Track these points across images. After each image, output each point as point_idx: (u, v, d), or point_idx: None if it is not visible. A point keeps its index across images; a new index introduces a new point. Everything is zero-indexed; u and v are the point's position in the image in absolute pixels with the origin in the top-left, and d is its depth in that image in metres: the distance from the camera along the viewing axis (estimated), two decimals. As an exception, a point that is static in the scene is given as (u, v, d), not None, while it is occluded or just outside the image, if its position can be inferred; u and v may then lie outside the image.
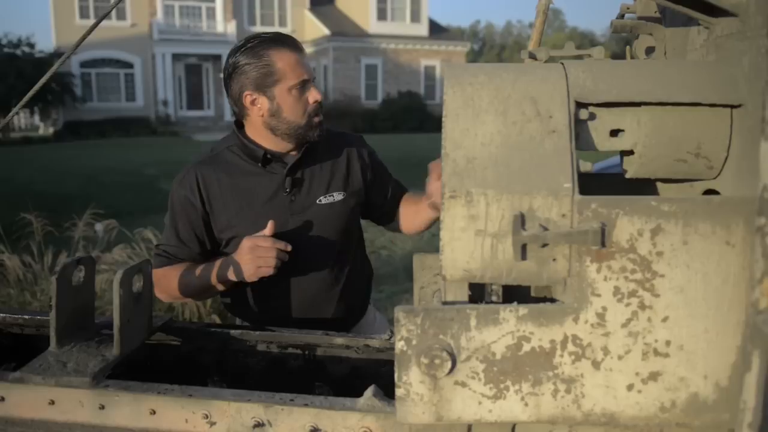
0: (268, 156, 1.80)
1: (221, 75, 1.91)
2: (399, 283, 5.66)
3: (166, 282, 1.80)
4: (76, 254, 4.63)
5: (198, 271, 1.77)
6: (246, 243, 1.67)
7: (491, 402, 0.84)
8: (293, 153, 1.84)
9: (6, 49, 26.01)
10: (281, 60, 1.72)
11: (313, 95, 1.76)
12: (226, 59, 1.81)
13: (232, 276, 1.70)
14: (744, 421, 0.73)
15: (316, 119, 1.78)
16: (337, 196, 1.86)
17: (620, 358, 0.82)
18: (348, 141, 1.96)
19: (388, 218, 2.06)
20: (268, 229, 1.67)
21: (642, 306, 0.81)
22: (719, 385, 0.82)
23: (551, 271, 0.83)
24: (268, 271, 1.66)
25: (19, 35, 27.59)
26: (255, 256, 1.65)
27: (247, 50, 1.75)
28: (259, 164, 1.81)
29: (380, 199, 2.00)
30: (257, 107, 1.77)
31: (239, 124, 1.87)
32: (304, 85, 1.75)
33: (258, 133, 1.82)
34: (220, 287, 1.77)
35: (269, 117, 1.77)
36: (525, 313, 0.82)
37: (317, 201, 1.83)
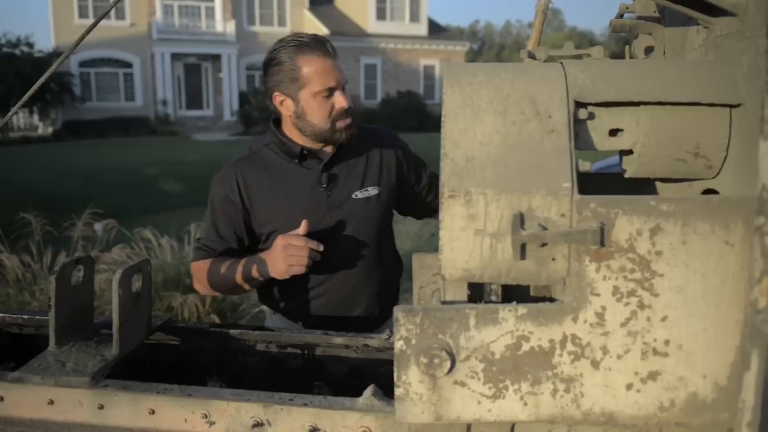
0: (305, 152, 1.84)
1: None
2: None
3: (204, 275, 1.86)
4: (75, 254, 4.63)
5: (234, 266, 1.81)
6: (279, 241, 1.71)
7: (490, 401, 0.84)
8: (327, 149, 1.87)
9: (5, 49, 25.97)
10: (308, 65, 1.74)
11: (339, 102, 1.77)
12: (267, 53, 1.85)
13: (265, 273, 1.75)
14: (743, 421, 0.73)
15: (340, 124, 1.79)
16: (372, 191, 1.89)
17: (619, 357, 0.82)
18: (381, 136, 1.99)
19: (426, 211, 2.10)
20: (302, 228, 1.71)
21: (641, 305, 0.81)
22: (718, 385, 0.82)
23: (550, 271, 0.83)
24: (300, 269, 1.70)
25: (18, 35, 27.53)
26: (287, 254, 1.69)
27: (282, 51, 1.78)
28: (296, 160, 1.85)
29: (417, 191, 2.03)
30: (285, 107, 1.82)
31: (276, 122, 1.92)
32: (330, 92, 1.77)
33: (291, 130, 1.87)
34: (255, 283, 1.83)
35: (295, 118, 1.81)
36: (524, 312, 0.82)
37: (353, 196, 1.86)
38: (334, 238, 1.82)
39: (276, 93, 1.81)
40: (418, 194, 2.03)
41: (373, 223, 1.90)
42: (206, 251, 1.88)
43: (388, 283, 2.00)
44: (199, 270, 1.88)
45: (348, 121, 1.79)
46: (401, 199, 2.01)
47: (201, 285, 1.91)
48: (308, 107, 1.78)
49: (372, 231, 1.90)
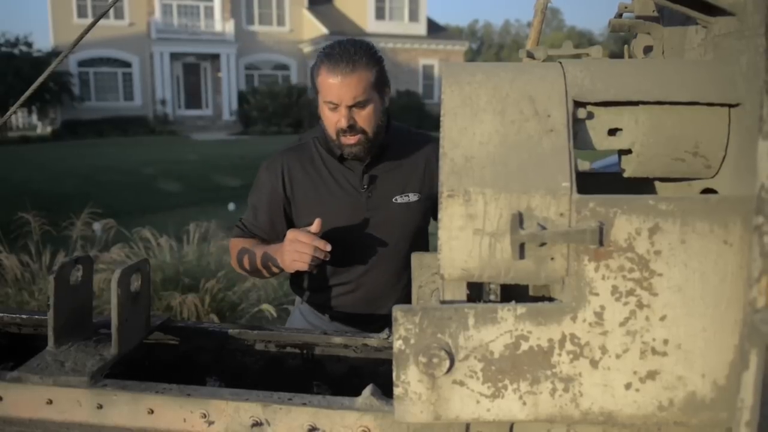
0: (340, 152, 1.85)
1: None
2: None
3: (235, 252, 1.94)
4: (73, 254, 4.62)
5: (258, 250, 1.87)
6: (289, 235, 1.74)
7: (489, 401, 0.84)
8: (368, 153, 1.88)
9: (3, 49, 25.94)
10: (322, 75, 1.76)
11: (336, 118, 1.77)
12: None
13: (276, 264, 1.81)
14: (741, 420, 0.73)
15: (343, 140, 1.79)
16: (413, 197, 1.90)
17: (618, 357, 0.82)
18: (428, 142, 1.98)
19: None
20: (314, 225, 1.73)
21: (640, 305, 0.81)
22: (717, 384, 0.82)
23: (549, 270, 0.83)
24: (302, 266, 1.72)
25: (16, 34, 27.55)
26: (292, 249, 1.72)
27: (318, 55, 1.80)
28: (338, 160, 1.88)
29: None
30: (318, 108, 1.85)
31: None
32: (334, 106, 1.77)
33: None
34: (270, 271, 1.88)
35: (319, 119, 1.85)
36: (523, 312, 0.82)
37: (393, 200, 1.88)
38: (370, 239, 1.86)
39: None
40: None
41: (409, 228, 1.92)
42: (242, 230, 1.97)
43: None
44: (233, 247, 1.96)
45: (351, 140, 1.78)
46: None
47: (234, 261, 1.98)
48: (323, 113, 1.81)
49: (407, 236, 1.92)
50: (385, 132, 1.88)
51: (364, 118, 1.78)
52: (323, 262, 1.77)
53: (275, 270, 1.86)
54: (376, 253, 1.88)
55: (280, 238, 1.90)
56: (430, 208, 1.95)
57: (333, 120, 1.78)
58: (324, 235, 1.76)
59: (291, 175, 1.90)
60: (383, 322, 1.73)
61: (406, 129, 2.03)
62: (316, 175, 1.89)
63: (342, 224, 1.83)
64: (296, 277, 2.00)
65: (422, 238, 1.99)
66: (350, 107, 1.75)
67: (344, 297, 1.94)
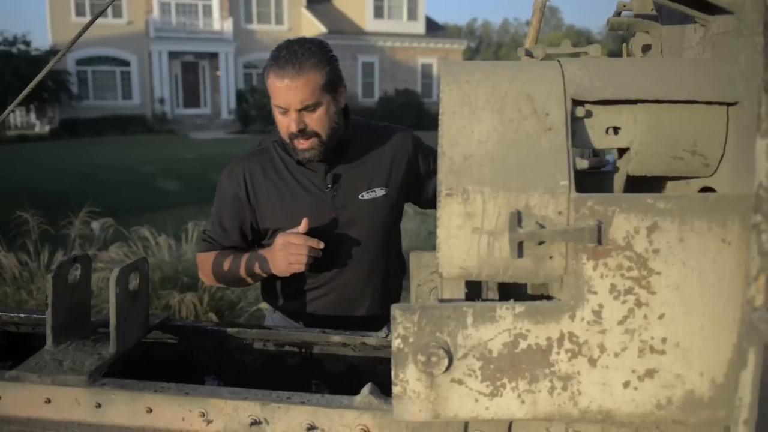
0: (300, 159, 1.83)
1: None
2: (396, 281, 5.66)
3: (208, 266, 1.91)
4: (72, 252, 4.62)
5: (237, 261, 1.84)
6: (279, 239, 1.73)
7: (488, 399, 0.84)
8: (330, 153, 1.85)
9: (1, 47, 25.88)
10: (270, 78, 1.72)
11: (286, 123, 1.74)
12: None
13: (266, 270, 1.79)
14: (740, 418, 0.74)
15: (296, 144, 1.76)
16: (379, 192, 1.87)
17: (616, 355, 0.82)
18: (392, 134, 1.95)
19: None
20: (302, 226, 1.72)
21: (638, 303, 0.81)
22: (715, 382, 0.82)
23: (548, 269, 0.83)
24: (300, 267, 1.72)
25: (14, 33, 27.51)
26: (287, 252, 1.71)
27: (268, 58, 1.76)
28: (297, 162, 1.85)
29: (431, 186, 1.99)
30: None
31: None
32: (283, 110, 1.74)
33: None
34: (256, 279, 1.86)
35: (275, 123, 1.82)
36: (521, 310, 0.82)
37: (359, 197, 1.85)
38: (339, 239, 1.82)
39: None
40: (433, 189, 1.99)
41: (379, 224, 1.89)
42: (211, 243, 1.92)
43: (391, 284, 1.99)
44: (204, 261, 1.92)
45: (304, 144, 1.75)
46: (417, 195, 2.00)
47: (205, 276, 1.95)
48: (275, 118, 1.78)
49: (378, 232, 1.89)
50: (345, 129, 1.85)
51: (315, 121, 1.73)
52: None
53: (263, 276, 1.84)
54: (346, 252, 1.85)
55: (249, 246, 1.90)
56: (399, 201, 1.93)
57: (284, 124, 1.74)
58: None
59: (253, 180, 1.86)
60: (361, 324, 1.71)
61: (367, 123, 1.99)
62: (278, 179, 1.85)
63: (309, 226, 1.78)
64: (267, 285, 1.96)
65: (393, 233, 1.97)
66: (300, 111, 1.71)
67: (318, 301, 1.90)
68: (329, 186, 1.83)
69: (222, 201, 1.90)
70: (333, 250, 1.79)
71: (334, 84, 1.77)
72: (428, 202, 2.04)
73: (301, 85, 1.69)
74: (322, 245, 1.71)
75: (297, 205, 1.82)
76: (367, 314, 1.91)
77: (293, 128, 1.72)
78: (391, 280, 1.98)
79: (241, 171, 1.87)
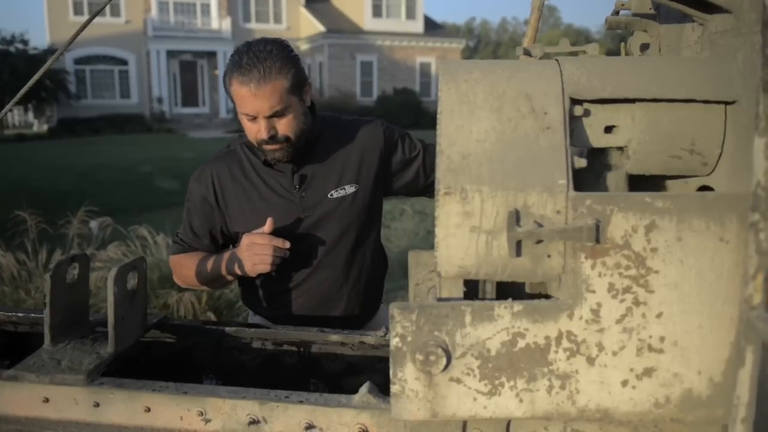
0: (269, 160, 1.80)
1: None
2: (394, 280, 5.67)
3: (180, 269, 1.91)
4: (70, 252, 4.61)
5: (206, 262, 1.83)
6: (244, 240, 1.72)
7: (486, 398, 0.84)
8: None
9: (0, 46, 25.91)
10: (234, 86, 1.68)
11: (256, 129, 1.70)
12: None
13: (233, 271, 1.77)
14: (737, 417, 0.74)
15: (267, 148, 1.73)
16: (349, 189, 1.84)
17: (614, 354, 0.82)
18: (360, 128, 1.91)
19: (431, 191, 1.96)
20: (267, 226, 1.69)
21: (636, 302, 0.81)
22: (713, 381, 0.83)
23: (546, 268, 0.83)
24: (265, 268, 1.70)
25: (12, 32, 27.47)
26: (252, 253, 1.69)
27: (229, 62, 1.71)
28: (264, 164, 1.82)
29: (416, 174, 1.94)
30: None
31: None
32: (251, 118, 1.70)
33: None
34: (228, 278, 1.85)
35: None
36: (520, 309, 0.82)
37: (328, 195, 1.82)
38: (310, 240, 1.80)
39: None
40: (420, 177, 1.95)
41: (350, 222, 1.85)
42: (182, 246, 1.91)
43: (370, 283, 1.95)
44: (176, 264, 1.92)
45: (274, 148, 1.72)
46: (395, 186, 1.95)
47: (178, 278, 1.95)
48: (242, 123, 1.74)
49: (350, 230, 1.86)
50: (312, 127, 1.81)
51: (285, 125, 1.70)
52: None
53: (230, 278, 1.83)
54: (317, 252, 1.82)
55: (220, 248, 1.88)
56: (372, 196, 1.88)
57: (253, 131, 1.71)
58: None
59: (221, 183, 1.84)
60: (338, 324, 1.69)
61: (335, 119, 1.94)
62: (246, 182, 1.83)
63: (279, 228, 1.75)
64: (246, 289, 1.96)
65: (368, 231, 1.92)
66: (269, 117, 1.68)
67: (294, 302, 1.87)
68: (297, 187, 1.80)
69: (192, 205, 1.88)
70: (304, 251, 1.77)
71: (299, 85, 1.72)
72: (409, 190, 1.98)
73: (269, 93, 1.65)
74: (288, 245, 1.69)
75: (265, 207, 1.80)
76: (344, 314, 1.89)
77: (263, 135, 1.69)
78: (368, 279, 1.94)
79: (209, 175, 1.85)
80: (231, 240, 1.89)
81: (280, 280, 1.83)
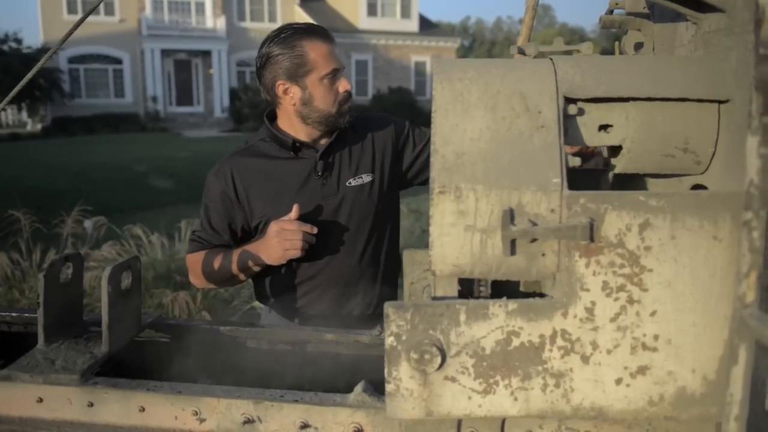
0: (297, 144, 1.85)
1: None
2: (390, 279, 5.67)
3: (199, 267, 1.87)
4: (64, 251, 4.60)
5: (229, 257, 1.83)
6: (273, 227, 1.73)
7: (481, 397, 0.84)
8: (324, 140, 1.87)
9: (-7, 45, 25.78)
10: (314, 50, 1.77)
11: (343, 85, 1.80)
12: (259, 49, 1.85)
13: (260, 261, 1.78)
14: (731, 414, 0.74)
15: (346, 106, 1.82)
16: (366, 178, 1.88)
17: (609, 352, 0.82)
18: (373, 122, 1.98)
19: None
20: (294, 212, 1.72)
21: (630, 300, 0.81)
22: (707, 379, 0.83)
23: (540, 266, 0.84)
24: (296, 253, 1.72)
25: (6, 31, 27.24)
26: (282, 239, 1.71)
27: (280, 40, 1.79)
28: (291, 152, 1.86)
29: (420, 167, 2.00)
30: (289, 96, 1.81)
31: (270, 117, 1.93)
32: (335, 75, 1.79)
33: (289, 121, 1.87)
34: (249, 273, 1.85)
35: (301, 106, 1.81)
36: (514, 308, 0.82)
37: (347, 183, 1.86)
38: (329, 226, 1.83)
39: (279, 82, 1.80)
40: (423, 169, 2.00)
41: (369, 209, 1.88)
42: (200, 243, 1.90)
43: (388, 272, 1.97)
44: (194, 262, 1.89)
45: (349, 104, 1.82)
46: (409, 179, 2.00)
47: (196, 277, 1.92)
48: (316, 92, 1.79)
49: (369, 217, 1.89)
50: None
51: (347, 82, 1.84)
52: (287, 264, 1.78)
53: (256, 270, 1.82)
54: (336, 239, 1.85)
55: (239, 243, 1.88)
56: (388, 188, 1.93)
57: (333, 90, 1.80)
58: None
59: (241, 177, 1.86)
60: (353, 320, 1.71)
61: (360, 114, 2.01)
62: (267, 174, 1.86)
63: (300, 214, 1.78)
64: (259, 285, 1.97)
65: (385, 223, 1.95)
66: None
67: (309, 295, 1.89)
68: (319, 174, 1.84)
69: (210, 201, 1.89)
70: (323, 238, 1.79)
71: None
72: (423, 181, 2.02)
73: (336, 47, 1.82)
74: (315, 230, 1.72)
75: (287, 196, 1.82)
76: (360, 309, 1.91)
77: (348, 87, 1.82)
78: (386, 269, 1.96)
79: (228, 169, 1.87)
80: (250, 235, 1.90)
81: (296, 270, 1.86)
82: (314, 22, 2.04)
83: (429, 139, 1.95)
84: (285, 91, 1.81)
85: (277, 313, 1.96)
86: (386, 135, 1.96)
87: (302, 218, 1.76)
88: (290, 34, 1.79)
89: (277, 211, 1.79)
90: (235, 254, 1.82)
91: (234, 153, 1.93)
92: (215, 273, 1.85)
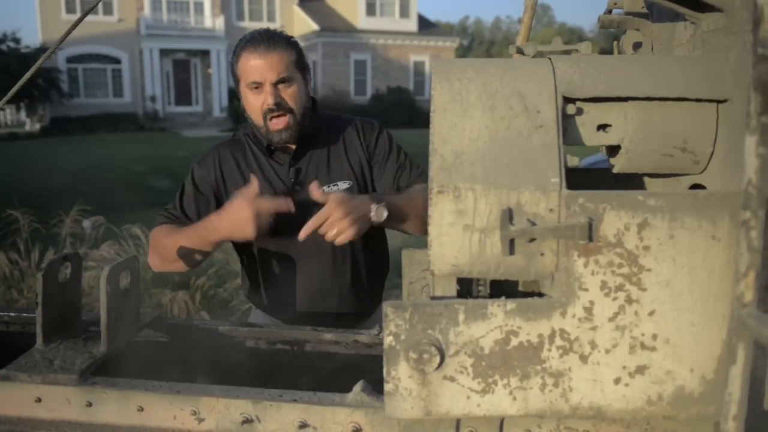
0: (272, 147, 1.84)
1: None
2: (389, 278, 5.68)
3: (162, 239, 1.80)
4: (63, 251, 4.59)
5: (194, 226, 1.77)
6: (233, 200, 1.66)
7: (480, 396, 0.84)
8: (291, 146, 1.86)
9: (-9, 45, 25.75)
10: (242, 59, 1.76)
11: (263, 98, 1.75)
12: None
13: (214, 234, 1.69)
14: (729, 414, 0.74)
15: (271, 125, 1.76)
16: (342, 185, 1.86)
17: (607, 351, 0.83)
18: (358, 128, 1.94)
19: None
20: (253, 184, 1.63)
21: (629, 300, 0.81)
22: (705, 378, 0.83)
23: (539, 266, 0.84)
24: (249, 220, 1.62)
25: (4, 30, 27.25)
26: (235, 205, 1.64)
27: (236, 47, 1.82)
28: (267, 153, 1.87)
29: (381, 186, 1.92)
30: (242, 101, 1.84)
31: None
32: (257, 88, 1.75)
33: None
34: (211, 240, 1.73)
35: (244, 112, 1.84)
36: (513, 307, 0.82)
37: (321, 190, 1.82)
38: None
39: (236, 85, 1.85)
40: (383, 185, 1.92)
41: None
42: (168, 218, 1.86)
43: (367, 280, 1.95)
44: (158, 236, 1.82)
45: (280, 123, 1.75)
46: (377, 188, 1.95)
47: (156, 252, 1.83)
48: (246, 101, 1.80)
49: None
50: (312, 120, 1.85)
51: (290, 96, 1.76)
52: (263, 262, 1.79)
53: (214, 241, 1.71)
54: (308, 246, 1.80)
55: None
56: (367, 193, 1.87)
57: (258, 102, 1.76)
58: (259, 241, 1.77)
59: (223, 167, 1.87)
60: (331, 320, 1.69)
61: (334, 117, 1.98)
62: (246, 170, 1.86)
63: (272, 220, 1.75)
64: (248, 283, 1.97)
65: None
66: (275, 84, 1.74)
67: (290, 295, 1.89)
68: (292, 179, 1.83)
69: (188, 184, 1.89)
70: (296, 245, 1.75)
71: (303, 65, 1.82)
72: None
73: (276, 59, 1.73)
74: (278, 207, 1.64)
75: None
76: (340, 310, 1.90)
77: (270, 102, 1.73)
78: (365, 277, 1.94)
79: (213, 157, 1.89)
80: None
81: (276, 272, 1.86)
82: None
83: (402, 166, 1.90)
84: (238, 96, 1.85)
85: (261, 312, 1.98)
86: (359, 141, 1.92)
87: (275, 226, 1.74)
88: (240, 41, 1.81)
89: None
90: (198, 225, 1.75)
91: (221, 144, 1.95)
92: (169, 250, 1.77)
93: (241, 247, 1.96)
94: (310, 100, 1.85)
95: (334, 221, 1.57)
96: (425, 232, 1.77)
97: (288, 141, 1.80)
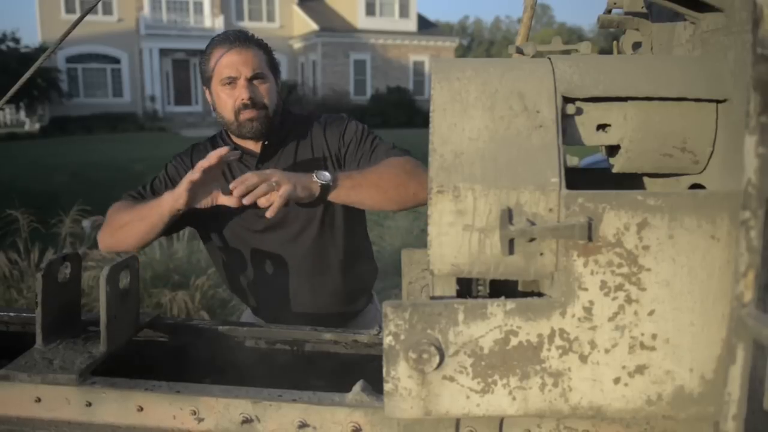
0: (236, 148, 1.83)
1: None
2: (388, 278, 5.67)
3: (116, 215, 1.80)
4: (62, 251, 4.59)
5: (143, 202, 1.78)
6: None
7: (479, 396, 0.84)
8: (256, 147, 1.86)
9: (-9, 44, 25.73)
10: (215, 56, 1.78)
11: (237, 94, 1.76)
12: None
13: (162, 206, 1.68)
14: (729, 414, 0.74)
15: (243, 116, 1.77)
16: None
17: (607, 351, 0.83)
18: (327, 126, 1.91)
19: None
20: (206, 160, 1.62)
21: (628, 300, 0.82)
22: (704, 378, 0.83)
23: (538, 266, 0.84)
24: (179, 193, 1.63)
25: (3, 30, 27.23)
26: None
27: (208, 45, 1.85)
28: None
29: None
30: (209, 101, 1.87)
31: None
32: (231, 83, 1.76)
33: None
34: (157, 211, 1.71)
35: (213, 111, 1.85)
36: (512, 307, 0.82)
37: None
38: (269, 238, 1.82)
39: (204, 87, 1.87)
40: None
41: (314, 215, 1.84)
42: (132, 197, 1.87)
43: (348, 279, 1.94)
44: (116, 209, 1.83)
45: (250, 114, 1.76)
46: None
47: (111, 226, 1.81)
48: (218, 98, 1.80)
49: (311, 226, 1.85)
50: (282, 121, 1.86)
51: (265, 92, 1.78)
52: (237, 262, 1.80)
53: (157, 214, 1.68)
54: (276, 246, 1.83)
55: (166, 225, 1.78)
56: None
57: (232, 98, 1.76)
58: (226, 238, 1.83)
59: (196, 164, 1.79)
60: (319, 319, 1.70)
61: (304, 117, 1.97)
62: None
63: (240, 223, 1.78)
64: (235, 285, 1.98)
65: (338, 227, 1.88)
66: (250, 80, 1.75)
67: (265, 295, 1.90)
68: None
69: (161, 175, 1.92)
70: (264, 245, 1.79)
71: (276, 67, 1.85)
72: None
73: (251, 55, 1.76)
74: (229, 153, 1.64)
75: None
76: (314, 311, 1.89)
77: (245, 96, 1.74)
78: (342, 277, 1.93)
79: (189, 156, 1.92)
80: (179, 225, 1.88)
81: (250, 272, 1.88)
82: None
83: (373, 149, 1.85)
84: (206, 96, 1.87)
85: (250, 311, 2.01)
86: (326, 136, 1.89)
87: (243, 226, 1.78)
88: (211, 41, 1.84)
89: (219, 216, 1.80)
90: (151, 200, 1.75)
91: (198, 143, 1.98)
92: (129, 217, 1.77)
93: (215, 249, 1.96)
94: (281, 102, 1.87)
95: (250, 185, 1.56)
96: (386, 207, 1.78)
97: (258, 131, 1.79)
